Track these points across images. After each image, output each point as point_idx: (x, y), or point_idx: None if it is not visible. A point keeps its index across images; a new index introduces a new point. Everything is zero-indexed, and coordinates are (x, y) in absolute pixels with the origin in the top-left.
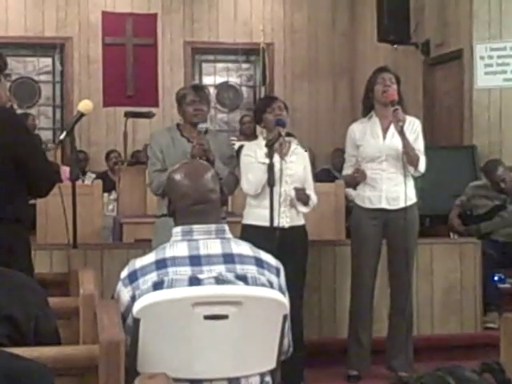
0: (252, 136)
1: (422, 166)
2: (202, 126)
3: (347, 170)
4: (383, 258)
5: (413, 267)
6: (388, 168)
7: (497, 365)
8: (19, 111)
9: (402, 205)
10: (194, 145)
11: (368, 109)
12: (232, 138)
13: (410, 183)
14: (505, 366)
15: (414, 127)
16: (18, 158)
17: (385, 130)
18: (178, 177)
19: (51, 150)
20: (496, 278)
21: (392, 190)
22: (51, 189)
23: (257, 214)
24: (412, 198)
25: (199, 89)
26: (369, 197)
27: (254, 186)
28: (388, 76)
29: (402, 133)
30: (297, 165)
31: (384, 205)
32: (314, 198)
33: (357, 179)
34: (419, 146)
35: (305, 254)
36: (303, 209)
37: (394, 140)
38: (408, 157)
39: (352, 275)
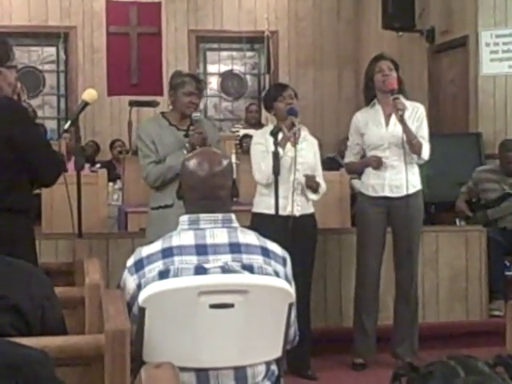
0: (258, 125)
1: (426, 153)
2: (195, 115)
3: (350, 158)
4: (389, 245)
5: (417, 255)
6: (391, 156)
7: (511, 359)
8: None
9: (405, 192)
10: (193, 133)
11: (370, 98)
12: (237, 126)
13: (414, 170)
14: (510, 353)
15: (417, 114)
16: (19, 149)
17: (387, 118)
18: (191, 166)
19: (66, 139)
20: (503, 265)
21: (395, 177)
22: (57, 178)
23: (268, 203)
24: (416, 186)
25: (199, 81)
26: (372, 185)
27: (266, 175)
28: (386, 64)
29: (402, 121)
30: (307, 152)
31: (387, 193)
32: (323, 186)
33: (373, 165)
34: (423, 132)
35: (314, 242)
36: (313, 196)
37: (396, 128)
38: (410, 145)
39: (357, 263)
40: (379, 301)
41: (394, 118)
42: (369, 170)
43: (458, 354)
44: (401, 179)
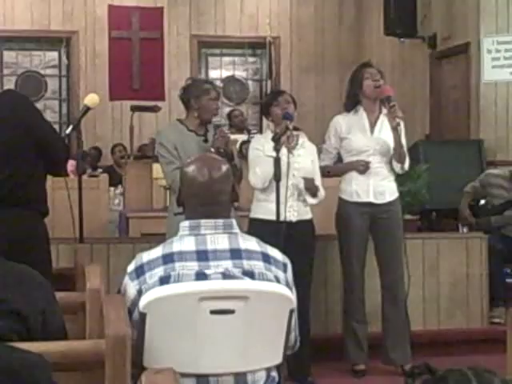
0: (243, 129)
1: (407, 163)
2: (215, 120)
3: (326, 162)
4: (370, 252)
5: (402, 259)
6: (375, 162)
7: None
8: None
9: (388, 199)
10: (218, 137)
11: (353, 104)
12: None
13: (392, 178)
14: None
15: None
16: (36, 135)
17: (372, 125)
18: (190, 173)
19: None
20: (504, 272)
21: (379, 184)
22: (66, 163)
23: (265, 208)
24: (396, 193)
25: (216, 87)
26: (356, 191)
27: (261, 180)
28: (375, 71)
29: (396, 129)
30: (304, 158)
31: (371, 199)
32: (321, 191)
33: (360, 169)
34: (404, 143)
35: (312, 248)
36: (312, 200)
37: (381, 134)
38: (398, 153)
39: (343, 270)
40: (365, 305)
41: (379, 125)
42: (351, 176)
43: (478, 366)
44: (384, 186)
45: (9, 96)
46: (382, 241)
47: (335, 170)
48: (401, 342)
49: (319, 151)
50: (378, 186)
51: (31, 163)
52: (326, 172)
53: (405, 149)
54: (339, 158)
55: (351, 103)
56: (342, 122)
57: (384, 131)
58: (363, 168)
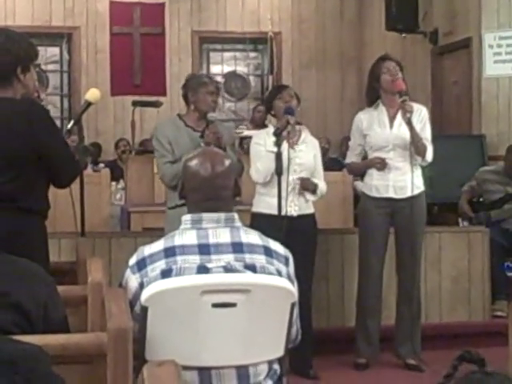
0: (262, 126)
1: (430, 155)
2: (211, 115)
3: (352, 159)
4: (391, 246)
5: (420, 256)
6: (395, 157)
7: None
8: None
9: (409, 194)
10: (208, 133)
11: (373, 99)
12: (241, 127)
13: (418, 172)
14: None
15: (421, 115)
16: (40, 149)
17: (391, 119)
18: (193, 167)
19: (74, 142)
20: (505, 266)
21: (399, 179)
22: (73, 180)
23: (266, 203)
24: (419, 187)
25: (217, 82)
26: (376, 186)
27: (262, 175)
28: (392, 64)
29: (409, 123)
30: (306, 153)
31: (391, 194)
32: (322, 187)
33: (377, 167)
34: (426, 134)
35: (314, 242)
36: (311, 197)
37: (401, 129)
38: (415, 147)
39: (360, 264)
40: (382, 302)
41: (398, 120)
42: (372, 171)
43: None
44: (405, 180)
45: (25, 106)
46: (401, 236)
47: (357, 167)
48: (411, 337)
49: (326, 146)
50: (398, 181)
51: (31, 175)
52: (349, 170)
53: (425, 141)
54: (366, 155)
55: (371, 98)
56: (363, 119)
57: (404, 125)
58: (380, 166)
